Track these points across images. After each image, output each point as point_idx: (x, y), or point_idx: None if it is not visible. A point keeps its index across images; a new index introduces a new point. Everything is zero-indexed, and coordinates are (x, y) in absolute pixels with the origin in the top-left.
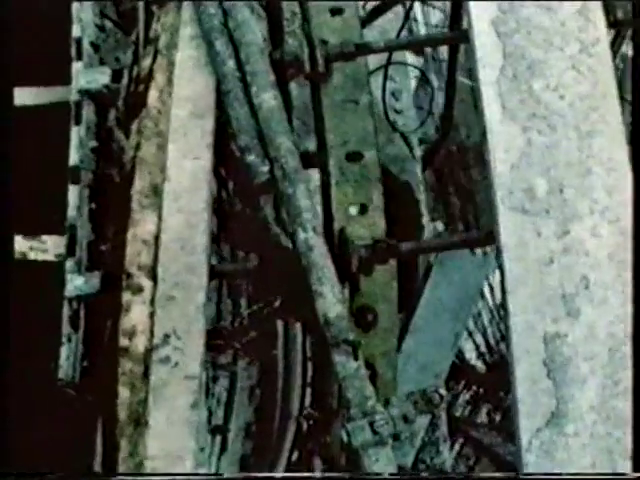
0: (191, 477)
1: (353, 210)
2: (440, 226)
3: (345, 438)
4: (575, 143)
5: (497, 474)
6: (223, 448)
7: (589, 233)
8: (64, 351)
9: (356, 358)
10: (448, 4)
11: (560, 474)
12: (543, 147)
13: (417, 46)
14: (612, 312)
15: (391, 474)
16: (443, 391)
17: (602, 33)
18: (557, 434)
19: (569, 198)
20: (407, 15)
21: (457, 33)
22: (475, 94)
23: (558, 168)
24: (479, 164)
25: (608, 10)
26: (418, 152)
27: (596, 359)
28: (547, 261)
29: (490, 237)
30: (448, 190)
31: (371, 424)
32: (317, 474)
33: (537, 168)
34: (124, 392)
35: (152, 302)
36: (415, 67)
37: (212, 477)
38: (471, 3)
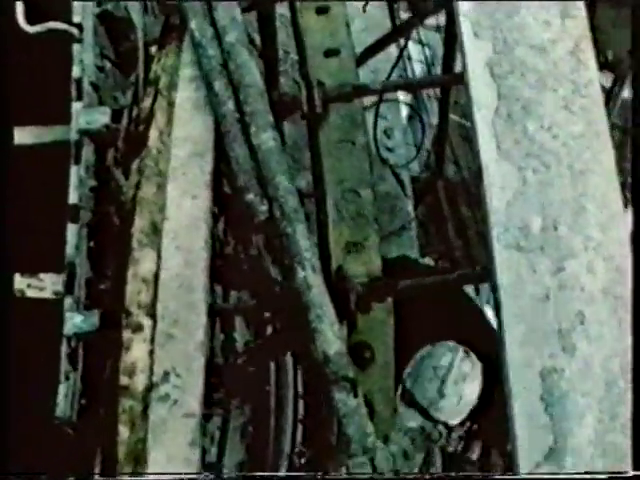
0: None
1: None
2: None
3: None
4: (569, 181)
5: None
6: None
7: (584, 269)
8: (62, 389)
9: (356, 395)
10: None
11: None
12: (538, 185)
13: (413, 88)
14: (608, 347)
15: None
16: (442, 428)
17: (594, 74)
18: (556, 469)
19: (563, 235)
20: (400, 55)
21: (452, 75)
22: (468, 133)
23: (552, 206)
24: (468, 199)
25: (599, 51)
26: (409, 189)
27: (593, 394)
28: (543, 297)
29: (486, 274)
30: (438, 225)
31: (372, 460)
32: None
33: (532, 206)
34: (124, 431)
35: (152, 340)
36: (409, 105)
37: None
38: (466, 45)
